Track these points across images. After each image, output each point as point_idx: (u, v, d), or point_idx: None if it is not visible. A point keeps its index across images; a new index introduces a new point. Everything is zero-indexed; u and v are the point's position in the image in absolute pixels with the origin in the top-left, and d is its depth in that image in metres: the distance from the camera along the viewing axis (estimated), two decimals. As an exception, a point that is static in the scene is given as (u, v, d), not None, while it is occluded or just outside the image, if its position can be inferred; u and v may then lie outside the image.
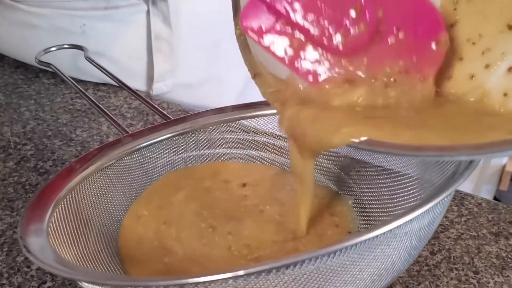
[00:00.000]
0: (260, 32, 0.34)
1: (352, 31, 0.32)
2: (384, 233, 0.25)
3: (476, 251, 0.45)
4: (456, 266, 0.44)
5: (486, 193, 1.32)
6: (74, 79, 0.72)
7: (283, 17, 0.34)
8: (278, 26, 0.34)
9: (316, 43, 0.33)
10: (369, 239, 0.25)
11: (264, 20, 0.34)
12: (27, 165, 0.54)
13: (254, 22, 0.34)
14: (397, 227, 0.25)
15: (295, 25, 0.34)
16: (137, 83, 0.73)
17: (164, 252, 0.38)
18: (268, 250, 0.38)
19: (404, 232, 0.27)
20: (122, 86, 0.55)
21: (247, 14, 0.34)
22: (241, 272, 0.24)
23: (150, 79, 0.74)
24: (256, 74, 0.37)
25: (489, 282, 0.42)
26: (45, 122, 0.63)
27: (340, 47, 0.33)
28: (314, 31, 0.33)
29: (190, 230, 0.40)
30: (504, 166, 1.30)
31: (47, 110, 0.66)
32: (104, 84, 0.73)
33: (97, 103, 0.50)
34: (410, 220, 0.26)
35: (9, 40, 0.73)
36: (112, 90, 0.72)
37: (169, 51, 0.72)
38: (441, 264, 0.44)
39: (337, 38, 0.33)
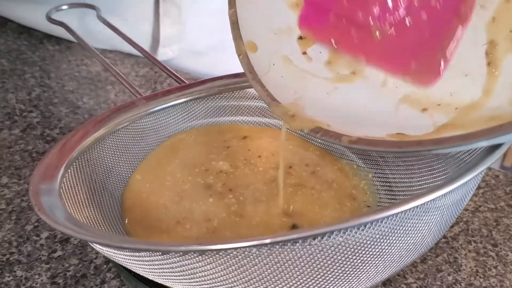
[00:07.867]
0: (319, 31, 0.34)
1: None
2: (417, 206, 0.24)
3: (494, 224, 0.44)
4: (474, 238, 0.43)
5: (491, 167, 1.31)
6: (80, 46, 0.71)
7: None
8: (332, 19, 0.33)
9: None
10: (401, 212, 0.24)
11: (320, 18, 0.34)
12: (33, 133, 0.53)
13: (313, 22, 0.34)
14: (431, 200, 0.24)
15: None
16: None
17: (149, 228, 0.37)
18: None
19: (437, 207, 0.26)
20: (135, 47, 0.53)
21: (306, 18, 0.34)
22: (267, 241, 0.23)
23: (155, 43, 0.72)
24: (242, 55, 0.36)
25: (508, 255, 0.41)
26: (51, 89, 0.61)
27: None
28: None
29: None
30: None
31: (53, 77, 0.64)
32: (111, 51, 0.71)
33: (111, 65, 0.48)
34: (445, 194, 0.24)
35: (15, 2, 0.70)
36: (118, 57, 0.70)
37: (177, 15, 0.70)
38: (459, 237, 0.43)
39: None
